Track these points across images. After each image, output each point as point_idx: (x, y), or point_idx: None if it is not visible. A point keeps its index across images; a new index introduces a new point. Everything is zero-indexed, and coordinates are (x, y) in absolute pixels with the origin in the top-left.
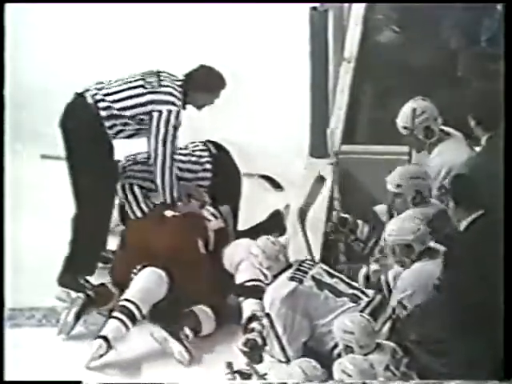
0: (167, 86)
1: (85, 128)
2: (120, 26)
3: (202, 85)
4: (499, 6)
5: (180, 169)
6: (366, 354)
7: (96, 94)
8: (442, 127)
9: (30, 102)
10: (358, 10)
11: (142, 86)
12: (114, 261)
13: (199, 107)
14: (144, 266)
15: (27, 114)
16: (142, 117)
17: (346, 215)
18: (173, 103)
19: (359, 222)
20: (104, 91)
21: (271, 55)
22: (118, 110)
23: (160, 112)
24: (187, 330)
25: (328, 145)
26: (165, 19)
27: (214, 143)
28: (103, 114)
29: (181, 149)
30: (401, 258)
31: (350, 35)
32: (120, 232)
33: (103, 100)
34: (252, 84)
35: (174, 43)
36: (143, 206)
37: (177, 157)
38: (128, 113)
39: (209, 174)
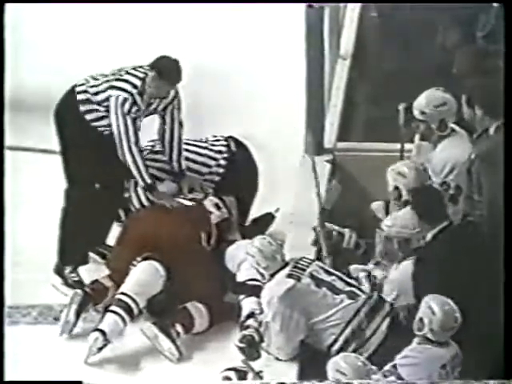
0: (128, 74)
1: (67, 115)
2: (120, 25)
3: (163, 74)
4: (495, 4)
5: (195, 161)
6: (436, 344)
7: (82, 85)
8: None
9: (30, 101)
10: (354, 7)
11: (113, 74)
12: (113, 252)
13: (151, 96)
14: (145, 258)
15: (27, 113)
16: (106, 103)
17: (332, 227)
18: (125, 90)
19: (346, 231)
20: (87, 79)
21: (267, 52)
22: (92, 94)
23: (111, 97)
24: (178, 327)
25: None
26: (164, 18)
27: (236, 140)
28: (79, 97)
29: (200, 141)
30: (396, 252)
31: (345, 32)
32: (122, 223)
33: (82, 84)
34: (248, 81)
35: (173, 42)
36: (142, 197)
37: (194, 149)
38: (98, 98)
39: (221, 170)
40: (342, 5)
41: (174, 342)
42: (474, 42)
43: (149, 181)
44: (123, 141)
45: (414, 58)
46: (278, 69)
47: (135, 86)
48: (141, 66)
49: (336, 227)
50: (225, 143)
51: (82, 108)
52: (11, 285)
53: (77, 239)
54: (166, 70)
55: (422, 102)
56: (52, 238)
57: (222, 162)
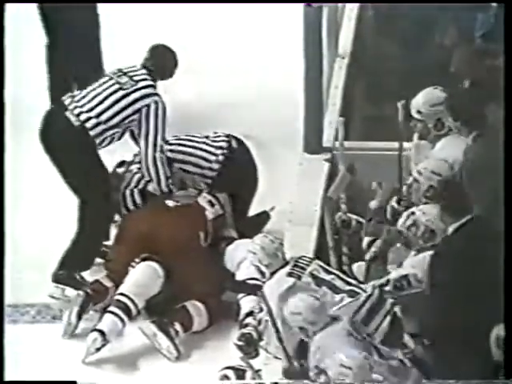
0: (142, 80)
1: (76, 150)
2: (121, 25)
3: (163, 66)
4: (494, 3)
5: (195, 155)
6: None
7: (80, 114)
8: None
9: (29, 101)
10: (352, 6)
11: (120, 89)
12: (111, 253)
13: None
14: (143, 259)
15: (27, 113)
16: (130, 118)
17: (350, 216)
18: (156, 94)
19: (363, 220)
20: (85, 107)
21: (266, 51)
22: (105, 122)
23: (148, 106)
24: (177, 326)
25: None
26: (162, 18)
27: (237, 138)
28: (93, 133)
29: (200, 137)
30: (416, 239)
31: (344, 31)
32: (118, 223)
33: (89, 118)
34: (246, 79)
35: (171, 42)
36: (137, 197)
37: (193, 144)
38: (116, 119)
39: (220, 166)
40: (340, 4)
41: (172, 340)
42: (473, 41)
43: (165, 187)
44: (156, 149)
45: (412, 56)
46: (277, 68)
47: (156, 87)
48: (130, 69)
49: (354, 216)
50: (226, 139)
51: (98, 140)
52: (10, 284)
53: (88, 246)
54: (160, 69)
55: (419, 101)
56: (51, 237)
57: (221, 158)
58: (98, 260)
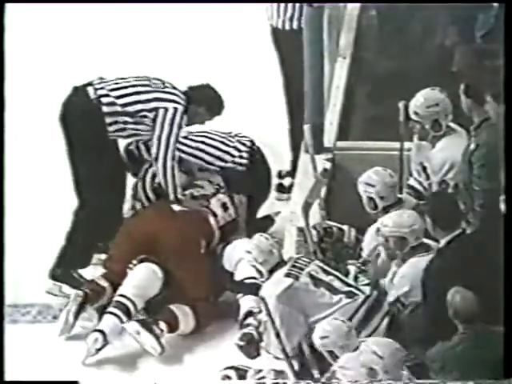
0: (172, 88)
1: (85, 123)
2: (120, 25)
3: (204, 102)
4: (495, 4)
5: (220, 149)
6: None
7: (101, 89)
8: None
9: (29, 101)
10: (354, 5)
11: (147, 85)
12: (111, 252)
13: (191, 122)
14: (141, 261)
15: (27, 113)
16: (145, 113)
17: (331, 224)
18: (178, 102)
19: (345, 227)
20: (109, 86)
21: (266, 51)
22: (122, 106)
23: (166, 109)
24: (162, 325)
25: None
26: (161, 18)
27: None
28: (106, 109)
29: (222, 132)
30: (393, 250)
31: (345, 31)
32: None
33: (107, 95)
34: (247, 79)
35: (172, 41)
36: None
37: (219, 138)
38: (131, 108)
39: (244, 161)
40: (341, 4)
41: (156, 337)
42: (473, 41)
43: (174, 195)
44: (168, 154)
45: (413, 56)
46: (277, 67)
47: (184, 100)
48: (173, 87)
49: (334, 223)
50: (249, 139)
51: (108, 120)
52: (11, 284)
53: (87, 242)
54: (206, 99)
55: (416, 102)
56: (52, 237)
57: (245, 155)
58: (99, 257)
